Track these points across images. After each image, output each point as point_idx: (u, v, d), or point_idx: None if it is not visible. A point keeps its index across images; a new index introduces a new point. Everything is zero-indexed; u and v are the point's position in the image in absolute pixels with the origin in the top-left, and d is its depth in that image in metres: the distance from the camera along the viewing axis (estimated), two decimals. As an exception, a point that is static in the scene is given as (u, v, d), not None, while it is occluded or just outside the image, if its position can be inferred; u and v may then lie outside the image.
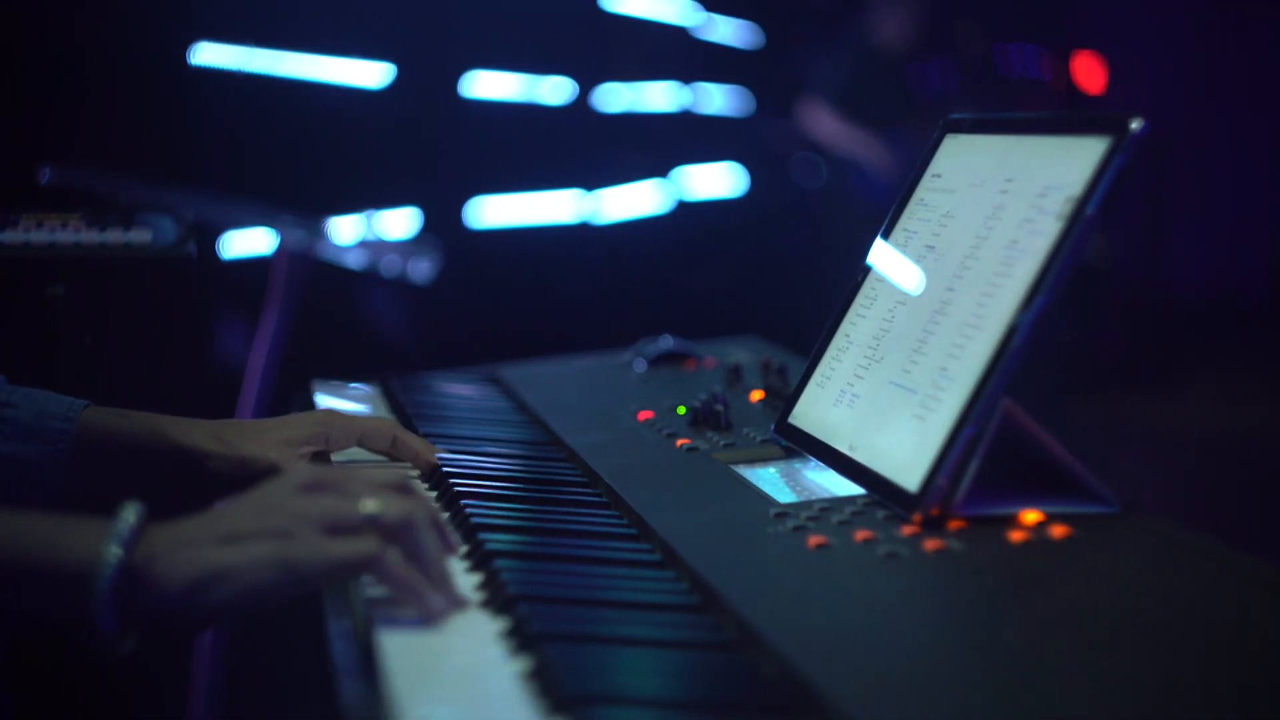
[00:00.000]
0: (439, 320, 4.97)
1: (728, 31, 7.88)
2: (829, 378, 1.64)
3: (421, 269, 3.19)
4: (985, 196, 1.52)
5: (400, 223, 4.81)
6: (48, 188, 2.37)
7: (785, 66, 7.69)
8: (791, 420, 1.67)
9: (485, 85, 5.34)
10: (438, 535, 1.23)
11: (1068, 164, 1.39)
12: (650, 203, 7.04)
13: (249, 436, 1.60)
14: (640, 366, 2.23)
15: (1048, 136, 1.46)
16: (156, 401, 1.75)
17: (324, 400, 2.06)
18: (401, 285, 3.43)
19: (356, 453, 1.70)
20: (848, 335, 1.65)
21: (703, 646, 1.16)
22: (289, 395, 2.16)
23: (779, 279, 7.69)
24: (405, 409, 1.94)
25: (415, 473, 1.65)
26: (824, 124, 6.70)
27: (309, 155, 4.24)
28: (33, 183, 2.38)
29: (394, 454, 1.66)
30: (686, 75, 7.43)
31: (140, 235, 2.11)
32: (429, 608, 1.18)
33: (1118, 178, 1.33)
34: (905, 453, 1.41)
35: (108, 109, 3.31)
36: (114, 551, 1.11)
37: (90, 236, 2.08)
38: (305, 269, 3.11)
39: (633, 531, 1.47)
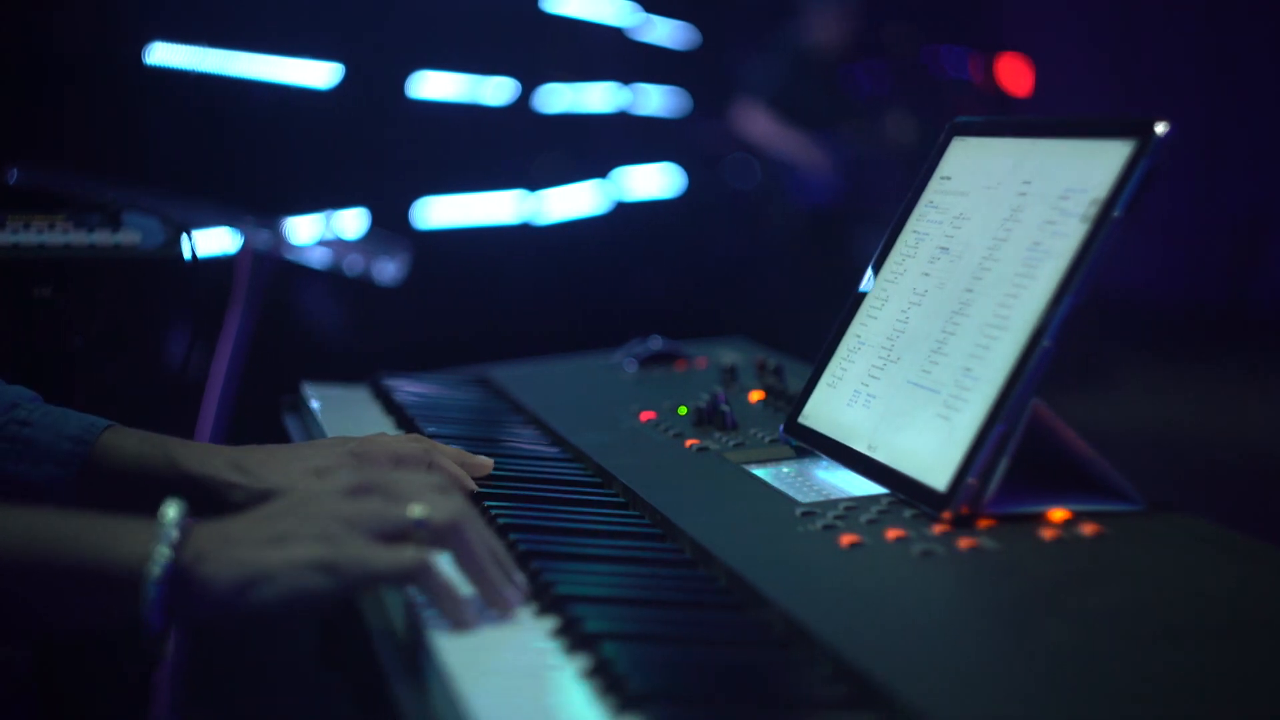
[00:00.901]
0: (391, 321, 4.95)
1: (664, 32, 7.90)
2: (840, 378, 1.65)
3: (388, 270, 3.18)
4: (1001, 199, 1.54)
5: (349, 223, 4.78)
6: (16, 188, 2.34)
7: (720, 67, 7.73)
8: (802, 420, 1.68)
9: (432, 86, 5.33)
10: (486, 534, 1.22)
11: (1090, 167, 1.42)
12: (589, 203, 7.05)
13: (272, 466, 1.52)
14: (631, 367, 2.24)
15: (1066, 140, 1.48)
16: (148, 404, 1.73)
17: (317, 401, 2.05)
18: (366, 286, 3.41)
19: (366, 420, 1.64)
20: (858, 336, 1.66)
21: (753, 644, 1.17)
22: (277, 397, 2.15)
23: (715, 278, 7.73)
24: (406, 410, 1.93)
25: None
26: (759, 124, 6.74)
27: (258, 155, 4.22)
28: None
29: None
30: (625, 76, 7.45)
31: (129, 236, 2.09)
32: (466, 618, 1.18)
33: (1145, 180, 1.35)
34: (930, 452, 1.43)
35: (70, 109, 3.28)
36: (163, 552, 1.11)
37: (79, 238, 2.06)
38: (269, 269, 3.09)
39: (657, 531, 1.47)
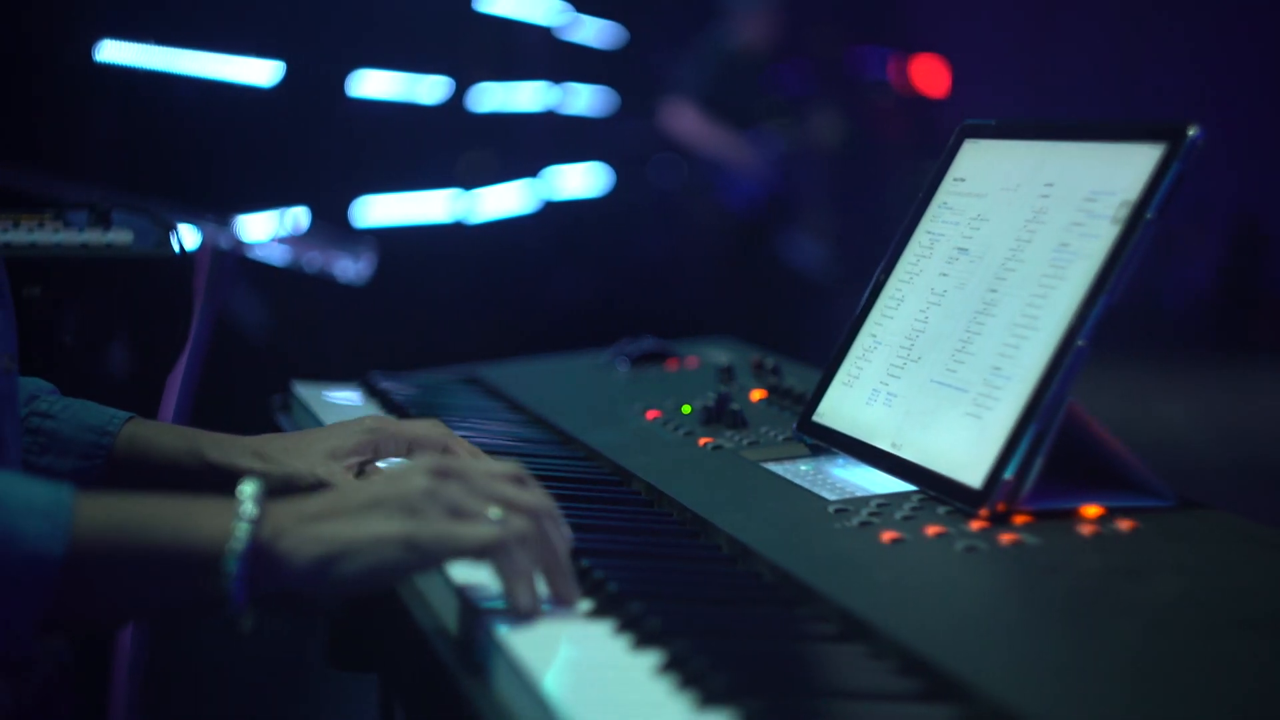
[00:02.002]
0: (332, 322, 4.92)
1: (591, 32, 7.90)
2: (856, 377, 1.67)
3: (350, 268, 3.17)
4: (1022, 200, 1.56)
5: (304, 221, 4.76)
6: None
7: (647, 66, 7.75)
8: (816, 418, 1.70)
9: (370, 84, 5.31)
10: (560, 529, 1.23)
11: (1118, 169, 1.44)
12: (519, 203, 7.05)
13: (292, 452, 1.55)
14: (623, 366, 2.25)
15: (1090, 143, 1.51)
16: (143, 402, 1.72)
17: (309, 399, 2.04)
18: (311, 285, 3.40)
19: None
20: (874, 335, 1.68)
21: (814, 639, 1.18)
22: (269, 394, 2.14)
23: (640, 278, 7.75)
24: (409, 410, 1.93)
25: None
26: (688, 123, 6.76)
27: (201, 153, 4.18)
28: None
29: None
30: (553, 75, 7.45)
31: (121, 235, 2.06)
32: (525, 604, 1.19)
33: (1177, 183, 1.38)
34: (961, 450, 1.45)
35: (22, 106, 3.23)
36: (243, 528, 1.12)
37: (70, 237, 2.03)
38: (230, 267, 3.07)
39: (690, 529, 1.49)
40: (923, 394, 1.55)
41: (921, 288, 1.65)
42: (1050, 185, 1.54)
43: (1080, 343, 1.38)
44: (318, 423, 1.94)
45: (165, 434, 1.59)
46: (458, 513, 1.17)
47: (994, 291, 1.53)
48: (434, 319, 5.64)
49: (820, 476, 1.60)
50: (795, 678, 1.11)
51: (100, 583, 1.11)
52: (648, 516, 1.53)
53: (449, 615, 1.28)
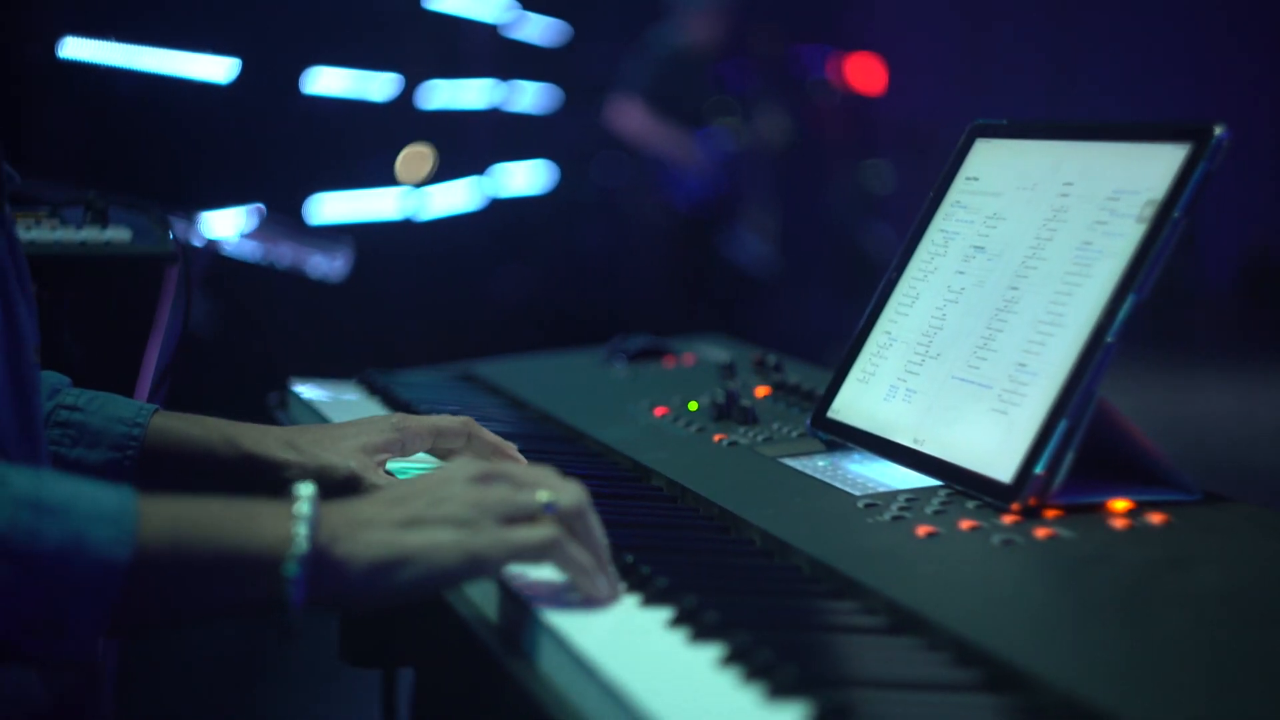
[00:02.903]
0: (298, 319, 4.90)
1: (536, 29, 7.90)
2: (872, 373, 1.69)
3: (322, 265, 3.15)
4: (1040, 199, 1.59)
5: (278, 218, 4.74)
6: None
7: (591, 64, 7.76)
8: (831, 415, 1.72)
9: (324, 81, 5.29)
10: (599, 524, 1.25)
11: (1141, 169, 1.47)
12: (466, 200, 7.04)
13: (325, 444, 1.57)
14: (621, 363, 2.26)
15: (1111, 143, 1.54)
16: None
17: (311, 397, 2.04)
18: (305, 282, 3.38)
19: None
20: (888, 332, 1.70)
21: (867, 631, 1.20)
22: (265, 392, 2.13)
23: (586, 274, 7.76)
24: (416, 408, 1.92)
25: None
26: (635, 121, 6.78)
27: (162, 149, 4.14)
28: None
29: (469, 453, 1.65)
30: (499, 72, 7.44)
31: (119, 233, 2.05)
32: (601, 591, 1.21)
33: (1204, 182, 1.41)
34: (988, 445, 1.47)
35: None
36: (302, 533, 1.12)
37: (68, 235, 2.02)
38: (205, 264, 3.05)
39: (719, 524, 1.50)
40: (944, 390, 1.57)
41: (937, 285, 1.67)
42: (1069, 184, 1.56)
43: (1109, 339, 1.40)
44: (321, 420, 1.94)
45: (195, 425, 1.59)
46: (510, 517, 1.19)
47: (1015, 289, 1.55)
48: (385, 317, 5.63)
49: (839, 472, 1.62)
50: (858, 669, 1.12)
51: (164, 587, 1.11)
52: (674, 512, 1.55)
53: (489, 606, 1.29)
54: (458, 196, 6.92)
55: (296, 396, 2.09)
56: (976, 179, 1.70)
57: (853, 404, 1.70)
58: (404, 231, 6.17)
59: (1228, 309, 9.45)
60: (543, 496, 1.21)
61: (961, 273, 1.64)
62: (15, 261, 1.34)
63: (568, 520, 1.21)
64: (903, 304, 1.71)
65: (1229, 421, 6.70)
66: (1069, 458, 1.40)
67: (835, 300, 8.76)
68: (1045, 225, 1.56)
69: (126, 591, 1.07)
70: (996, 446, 1.46)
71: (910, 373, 1.64)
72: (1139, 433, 1.44)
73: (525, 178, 7.84)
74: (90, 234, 2.02)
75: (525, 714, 1.15)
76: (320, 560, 1.12)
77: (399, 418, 1.63)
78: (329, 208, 5.39)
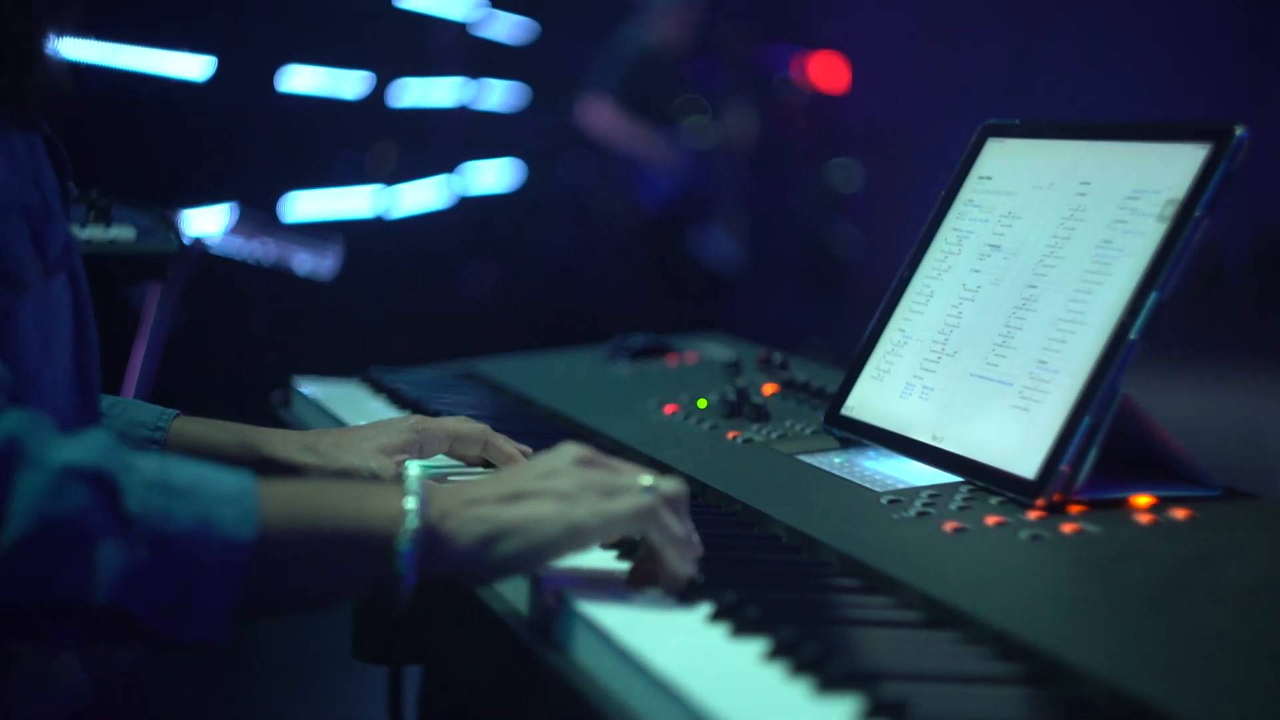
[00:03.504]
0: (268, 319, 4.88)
1: (504, 27, 7.89)
2: (887, 371, 1.70)
3: (312, 262, 3.14)
4: (1057, 198, 1.60)
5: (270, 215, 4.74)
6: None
7: (559, 62, 7.76)
8: (845, 412, 1.73)
9: (298, 80, 5.27)
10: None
11: (1161, 168, 1.49)
12: (435, 198, 7.03)
13: (344, 447, 1.60)
14: (624, 361, 2.26)
15: (1129, 143, 1.55)
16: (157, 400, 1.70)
17: (318, 396, 2.04)
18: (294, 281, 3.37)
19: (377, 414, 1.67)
20: (902, 330, 1.72)
21: (904, 626, 1.21)
22: (267, 390, 2.13)
23: (553, 273, 7.76)
24: (426, 406, 1.93)
25: None
26: (605, 120, 6.79)
27: (141, 147, 4.12)
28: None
29: (483, 460, 1.67)
30: (468, 70, 7.43)
31: (123, 232, 2.04)
32: (687, 569, 1.24)
33: (1225, 181, 1.43)
34: (1011, 442, 1.48)
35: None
36: (414, 510, 1.15)
37: (74, 233, 2.00)
38: (194, 261, 3.03)
39: (743, 520, 1.51)
40: (962, 387, 1.59)
41: (952, 284, 1.68)
42: (1087, 184, 1.58)
43: (1133, 337, 1.42)
44: (330, 419, 1.94)
45: (215, 429, 1.62)
46: (609, 493, 1.22)
47: (1033, 287, 1.57)
48: (358, 314, 5.62)
49: (855, 468, 1.63)
50: (902, 663, 1.13)
51: (285, 566, 1.13)
52: (696, 509, 1.54)
53: (521, 601, 1.30)
54: (428, 195, 6.91)
55: (300, 395, 2.08)
56: (989, 178, 1.72)
57: (867, 401, 1.71)
58: (375, 229, 6.16)
59: (1243, 307, 9.49)
60: (645, 480, 1.24)
61: (977, 271, 1.66)
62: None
63: (667, 503, 1.24)
64: (916, 302, 1.72)
65: (1245, 418, 6.74)
66: (1093, 454, 1.42)
67: (803, 298, 8.78)
68: (1063, 224, 1.58)
69: (251, 571, 1.09)
70: (1019, 443, 1.47)
71: (926, 370, 1.65)
72: (1161, 429, 1.46)
73: (494, 176, 7.83)
74: (94, 232, 2.01)
75: (562, 706, 1.16)
76: (431, 536, 1.15)
77: (417, 419, 1.66)
78: (303, 205, 5.37)
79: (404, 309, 6.35)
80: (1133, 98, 8.55)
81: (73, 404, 1.32)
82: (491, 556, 1.18)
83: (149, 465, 1.09)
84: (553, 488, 1.21)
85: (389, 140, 6.42)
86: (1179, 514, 1.39)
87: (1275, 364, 7.41)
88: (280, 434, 1.63)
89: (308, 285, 5.31)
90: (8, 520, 1.03)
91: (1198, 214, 1.43)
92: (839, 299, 8.86)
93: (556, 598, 1.23)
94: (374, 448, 1.60)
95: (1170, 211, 1.45)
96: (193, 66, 4.51)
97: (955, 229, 1.73)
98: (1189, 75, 8.62)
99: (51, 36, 1.29)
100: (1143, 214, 1.48)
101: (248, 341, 4.90)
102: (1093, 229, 1.53)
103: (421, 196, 6.82)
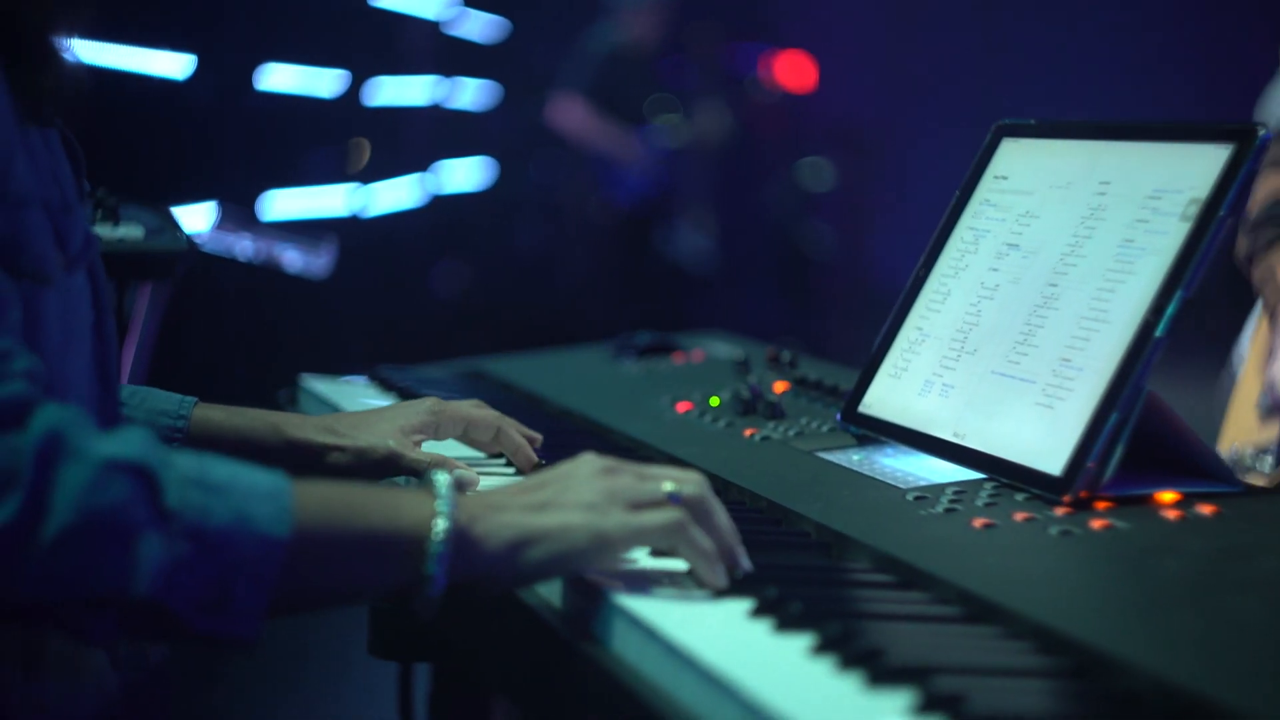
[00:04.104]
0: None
1: (476, 26, 7.89)
2: (905, 369, 1.72)
3: (302, 260, 3.13)
4: (1076, 198, 1.62)
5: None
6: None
7: (530, 61, 7.76)
8: (863, 409, 1.74)
9: (276, 78, 5.27)
10: (723, 509, 1.28)
11: (1183, 168, 1.51)
12: (408, 197, 7.02)
13: (363, 427, 1.62)
14: (630, 359, 2.27)
15: (1149, 143, 1.57)
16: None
17: (323, 391, 2.04)
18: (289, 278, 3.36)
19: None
20: (919, 329, 1.73)
21: (944, 620, 1.22)
22: (276, 388, 2.13)
23: (524, 271, 7.76)
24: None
25: (511, 470, 1.67)
26: (577, 118, 6.80)
27: (124, 144, 4.10)
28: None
29: (494, 447, 1.68)
30: (441, 69, 7.42)
31: (131, 230, 2.03)
32: (720, 579, 1.24)
33: (1248, 181, 1.45)
34: (1036, 439, 1.50)
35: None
36: (444, 513, 1.16)
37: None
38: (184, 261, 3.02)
39: (770, 517, 1.52)
40: (983, 385, 1.60)
41: (969, 282, 1.70)
42: (1106, 183, 1.59)
43: (1159, 334, 1.44)
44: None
45: (237, 415, 1.63)
46: (637, 504, 1.23)
47: (1054, 286, 1.58)
48: (332, 313, 5.61)
49: (875, 465, 1.64)
50: (949, 657, 1.14)
51: (318, 565, 1.14)
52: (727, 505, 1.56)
53: (554, 595, 1.31)
54: (401, 193, 6.90)
55: (308, 392, 2.08)
56: (1005, 178, 1.73)
57: (885, 398, 1.72)
58: (351, 228, 6.15)
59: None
60: (668, 486, 1.24)
61: (995, 270, 1.67)
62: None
63: (691, 508, 1.24)
64: (933, 301, 1.73)
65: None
66: (1119, 451, 1.43)
67: (773, 297, 8.81)
68: (1083, 223, 1.59)
69: (286, 569, 1.10)
70: (1043, 440, 1.49)
71: (946, 368, 1.66)
72: (1185, 425, 1.48)
73: (466, 174, 7.83)
74: (102, 231, 2.01)
75: (604, 700, 1.17)
76: (460, 540, 1.16)
77: (434, 402, 1.68)
78: (280, 204, 5.36)
79: (378, 308, 6.34)
80: (1099, 97, 8.60)
81: (93, 396, 1.32)
82: (520, 562, 1.19)
83: (186, 461, 1.10)
84: (578, 498, 1.21)
85: (364, 138, 6.41)
86: (1205, 510, 1.40)
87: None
88: (301, 417, 1.65)
89: (282, 284, 5.30)
90: (51, 512, 1.03)
91: (1221, 213, 1.45)
92: (809, 297, 8.90)
93: (594, 591, 1.24)
94: (392, 427, 1.62)
95: (1194, 211, 1.47)
96: (173, 65, 4.49)
97: (971, 228, 1.74)
98: (1154, 75, 8.68)
99: (65, 32, 1.29)
100: (1165, 213, 1.50)
101: (220, 341, 4.88)
102: (1114, 228, 1.55)
103: (395, 195, 6.81)
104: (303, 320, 5.40)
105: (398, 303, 6.67)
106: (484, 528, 1.18)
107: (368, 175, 6.37)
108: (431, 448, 1.68)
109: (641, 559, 1.32)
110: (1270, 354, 2.15)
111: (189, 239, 2.08)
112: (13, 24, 1.24)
